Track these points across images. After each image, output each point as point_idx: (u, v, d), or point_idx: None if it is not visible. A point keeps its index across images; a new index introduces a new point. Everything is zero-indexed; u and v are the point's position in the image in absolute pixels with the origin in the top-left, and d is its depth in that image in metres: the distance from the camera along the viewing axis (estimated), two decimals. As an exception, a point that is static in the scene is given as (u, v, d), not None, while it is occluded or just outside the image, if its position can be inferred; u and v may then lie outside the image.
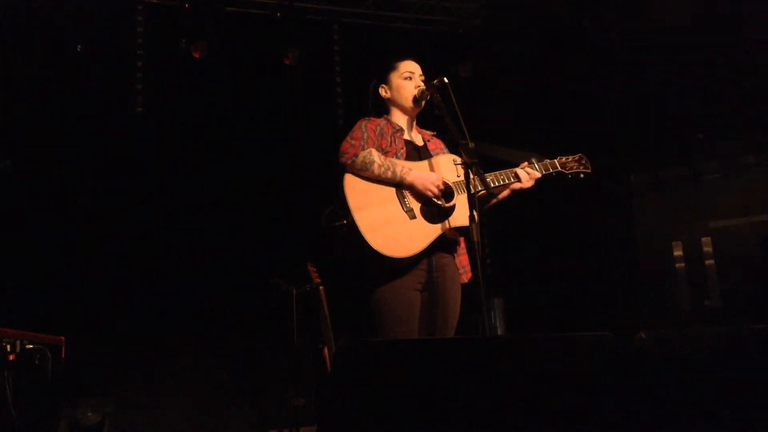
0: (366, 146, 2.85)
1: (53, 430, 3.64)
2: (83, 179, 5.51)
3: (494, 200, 3.03)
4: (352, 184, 2.79)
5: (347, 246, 2.75)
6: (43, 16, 5.48)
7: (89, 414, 4.84)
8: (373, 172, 2.78)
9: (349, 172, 2.81)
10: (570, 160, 3.04)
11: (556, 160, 3.03)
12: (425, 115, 3.07)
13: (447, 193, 2.84)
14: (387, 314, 2.78)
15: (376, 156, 2.80)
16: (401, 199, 2.80)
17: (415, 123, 3.10)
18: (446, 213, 2.82)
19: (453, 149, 3.00)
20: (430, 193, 2.78)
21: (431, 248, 2.81)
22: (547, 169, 3.00)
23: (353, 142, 2.86)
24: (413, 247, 2.73)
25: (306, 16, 6.21)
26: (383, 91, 3.06)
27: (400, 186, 2.81)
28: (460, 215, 2.81)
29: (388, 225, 2.73)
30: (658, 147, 5.96)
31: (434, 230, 2.79)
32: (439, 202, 2.80)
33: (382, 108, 3.10)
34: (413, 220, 2.77)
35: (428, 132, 3.14)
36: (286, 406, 5.08)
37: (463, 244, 2.99)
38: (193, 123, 5.86)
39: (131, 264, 5.51)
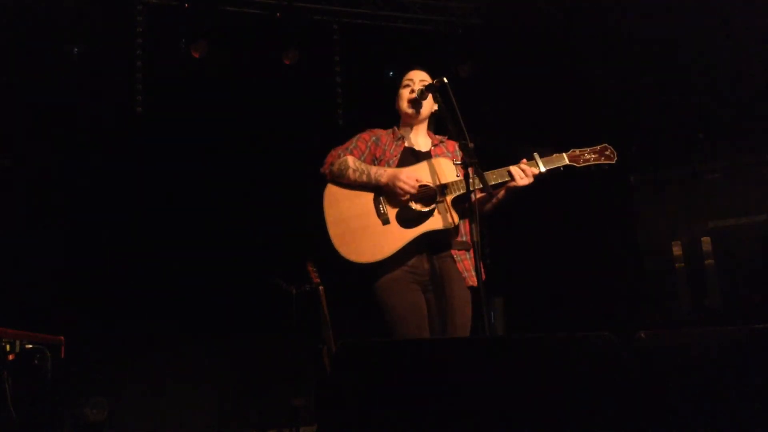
0: (348, 155, 2.88)
1: (58, 428, 3.65)
2: (83, 179, 5.51)
3: (494, 200, 2.93)
4: (330, 195, 2.86)
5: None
6: (43, 15, 5.48)
7: (95, 412, 4.87)
8: (348, 177, 2.83)
9: (329, 182, 2.88)
10: (588, 151, 2.85)
11: (564, 153, 2.84)
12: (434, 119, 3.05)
13: (426, 197, 2.81)
14: (386, 314, 2.78)
15: (351, 161, 2.85)
16: (377, 205, 2.82)
17: (425, 129, 3.07)
18: (425, 216, 2.80)
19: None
20: (400, 191, 2.76)
21: (430, 250, 2.81)
22: (551, 164, 2.82)
23: (335, 152, 2.93)
24: (381, 252, 2.74)
25: (306, 16, 6.20)
26: (396, 103, 3.07)
27: (379, 192, 2.82)
28: (440, 218, 2.78)
29: (359, 232, 2.77)
30: (658, 147, 5.96)
31: (409, 234, 2.77)
32: (415, 207, 2.79)
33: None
34: (386, 226, 2.78)
35: (439, 137, 3.09)
36: (286, 406, 5.07)
37: (467, 251, 2.93)
38: (193, 123, 5.85)
39: (131, 264, 5.50)
